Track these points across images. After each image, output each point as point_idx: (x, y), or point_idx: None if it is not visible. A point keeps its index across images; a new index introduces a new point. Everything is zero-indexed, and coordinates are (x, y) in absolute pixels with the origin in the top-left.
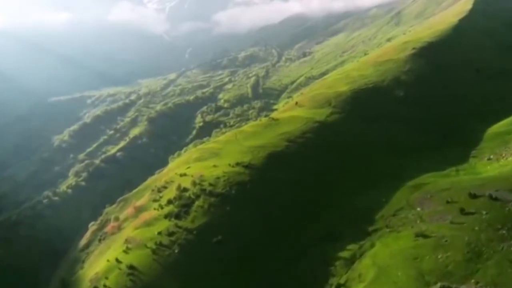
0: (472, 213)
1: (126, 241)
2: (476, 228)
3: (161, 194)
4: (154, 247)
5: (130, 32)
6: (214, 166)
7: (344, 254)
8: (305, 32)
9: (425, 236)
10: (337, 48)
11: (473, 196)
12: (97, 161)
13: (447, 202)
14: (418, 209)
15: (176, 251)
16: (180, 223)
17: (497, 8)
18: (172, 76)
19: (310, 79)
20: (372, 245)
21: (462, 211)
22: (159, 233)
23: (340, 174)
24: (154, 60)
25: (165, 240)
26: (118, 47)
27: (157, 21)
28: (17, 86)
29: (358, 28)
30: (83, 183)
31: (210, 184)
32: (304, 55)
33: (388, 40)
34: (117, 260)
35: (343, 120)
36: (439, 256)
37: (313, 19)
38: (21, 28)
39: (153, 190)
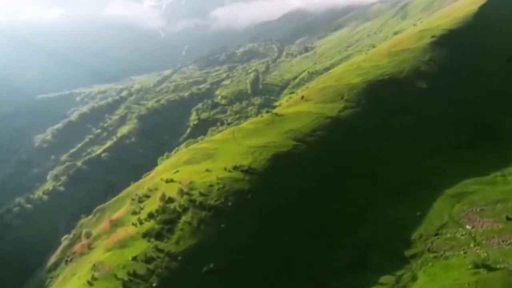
0: None
1: (94, 267)
2: None
3: (141, 205)
4: (126, 278)
5: (125, 29)
6: (207, 170)
7: None
8: (306, 27)
9: (488, 267)
10: (340, 43)
11: None
12: (79, 163)
13: (508, 218)
14: (468, 227)
15: (154, 284)
16: (161, 245)
17: None
18: (167, 72)
19: (313, 74)
20: (414, 277)
21: None
22: (134, 258)
23: (360, 180)
24: (150, 58)
25: (141, 269)
26: (112, 44)
27: (153, 18)
28: (5, 85)
29: (362, 22)
30: (61, 188)
31: (201, 194)
32: (306, 50)
33: (396, 33)
34: None
35: (359, 116)
36: None
37: (314, 14)
38: (12, 24)
39: (133, 200)
